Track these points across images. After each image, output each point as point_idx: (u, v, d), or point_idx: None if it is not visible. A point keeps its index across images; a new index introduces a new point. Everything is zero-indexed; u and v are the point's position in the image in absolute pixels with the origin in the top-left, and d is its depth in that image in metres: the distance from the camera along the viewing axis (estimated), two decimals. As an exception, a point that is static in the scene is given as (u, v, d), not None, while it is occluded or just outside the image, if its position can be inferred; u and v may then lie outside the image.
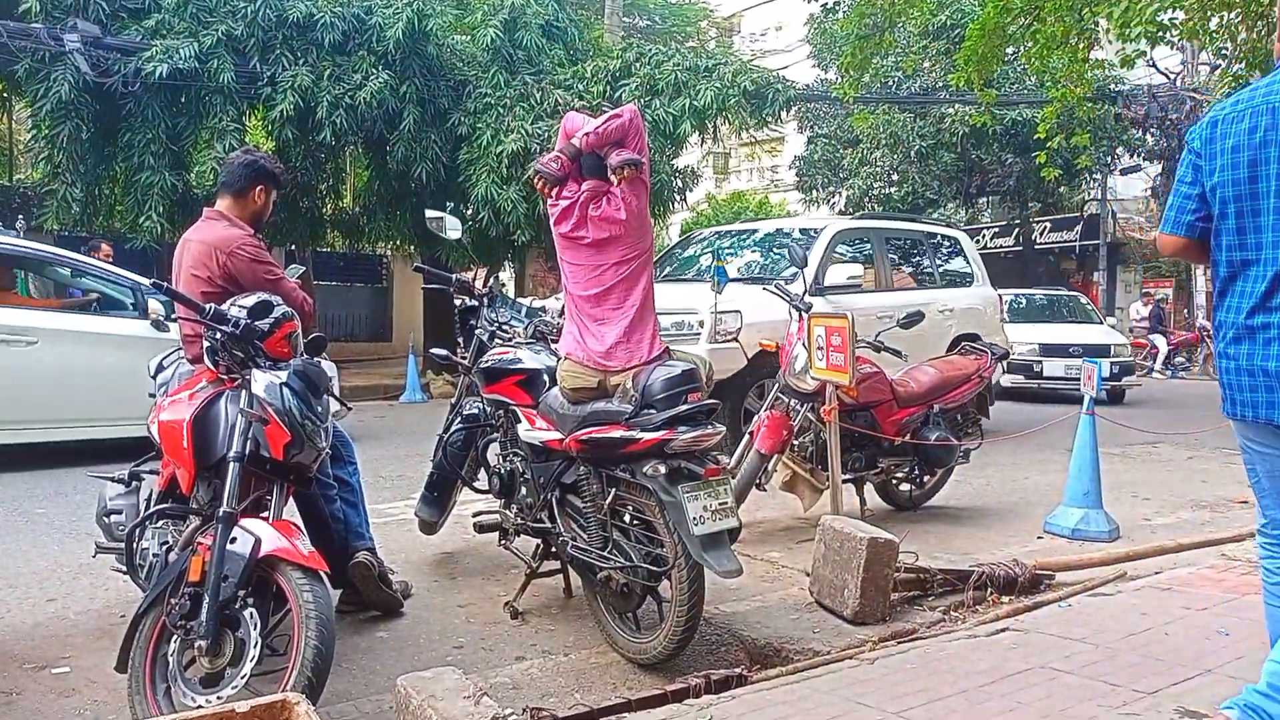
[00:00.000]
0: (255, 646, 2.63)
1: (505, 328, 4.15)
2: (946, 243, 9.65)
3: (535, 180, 3.49)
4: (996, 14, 10.21)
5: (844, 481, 4.90)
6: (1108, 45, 11.92)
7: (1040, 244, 23.53)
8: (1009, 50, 12.34)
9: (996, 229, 24.76)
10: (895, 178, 21.69)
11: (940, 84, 17.81)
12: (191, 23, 11.55)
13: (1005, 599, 3.79)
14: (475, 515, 4.26)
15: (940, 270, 9.24)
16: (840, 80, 14.41)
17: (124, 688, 2.67)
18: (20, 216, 11.95)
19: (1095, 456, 5.13)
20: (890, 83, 18.94)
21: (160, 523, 3.08)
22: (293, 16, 11.87)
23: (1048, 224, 23.58)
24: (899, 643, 3.30)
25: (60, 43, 10.99)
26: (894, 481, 5.58)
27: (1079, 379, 10.84)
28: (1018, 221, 22.96)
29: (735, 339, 6.75)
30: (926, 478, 5.65)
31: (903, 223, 9.99)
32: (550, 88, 13.01)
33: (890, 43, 13.42)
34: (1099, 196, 22.58)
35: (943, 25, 17.22)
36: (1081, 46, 10.66)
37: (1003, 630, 3.34)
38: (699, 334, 6.74)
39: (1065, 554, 4.53)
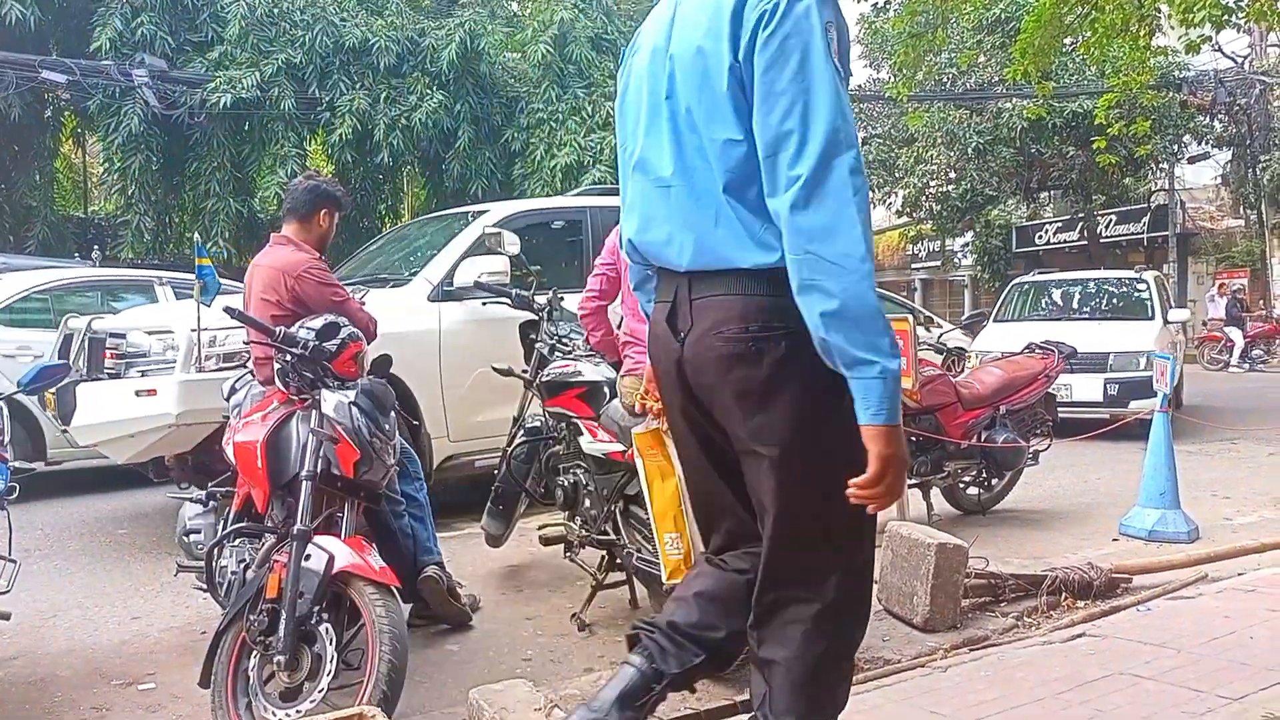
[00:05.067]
0: (331, 661, 2.68)
1: (565, 341, 4.18)
2: None
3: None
4: (1053, 4, 10.00)
5: (910, 486, 4.84)
6: (1170, 31, 11.60)
7: (1106, 237, 22.93)
8: (1067, 41, 12.07)
9: (1060, 224, 24.21)
10: (952, 175, 21.35)
11: (996, 78, 17.50)
12: (253, 53, 11.91)
13: (1080, 604, 3.70)
14: (540, 528, 4.30)
15: None
16: (893, 79, 14.26)
17: (207, 702, 2.74)
18: (96, 247, 12.42)
19: (1171, 455, 4.99)
20: (945, 79, 18.70)
21: (237, 541, 3.16)
22: (349, 42, 12.17)
23: (1113, 216, 22.98)
24: (971, 650, 3.24)
25: (129, 78, 11.43)
26: (961, 485, 5.49)
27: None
28: (1081, 215, 22.41)
29: (245, 365, 4.70)
30: (995, 481, 5.55)
31: None
32: (601, 100, 13.12)
33: (943, 39, 13.22)
34: (1166, 186, 21.96)
35: (997, 18, 16.93)
36: (1143, 34, 10.39)
37: (1079, 636, 3.26)
38: (175, 363, 4.88)
39: (1142, 556, 4.41)
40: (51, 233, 13.65)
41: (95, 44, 11.59)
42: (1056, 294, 11.01)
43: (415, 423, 5.20)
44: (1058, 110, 17.00)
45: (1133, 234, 22.84)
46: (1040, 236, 24.75)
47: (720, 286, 1.65)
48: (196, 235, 5.66)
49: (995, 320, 10.37)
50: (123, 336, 5.21)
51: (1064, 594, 3.73)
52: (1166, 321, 9.64)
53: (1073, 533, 5.17)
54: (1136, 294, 10.32)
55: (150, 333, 5.12)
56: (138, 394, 4.81)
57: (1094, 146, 12.26)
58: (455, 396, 5.47)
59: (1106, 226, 22.97)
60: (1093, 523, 5.38)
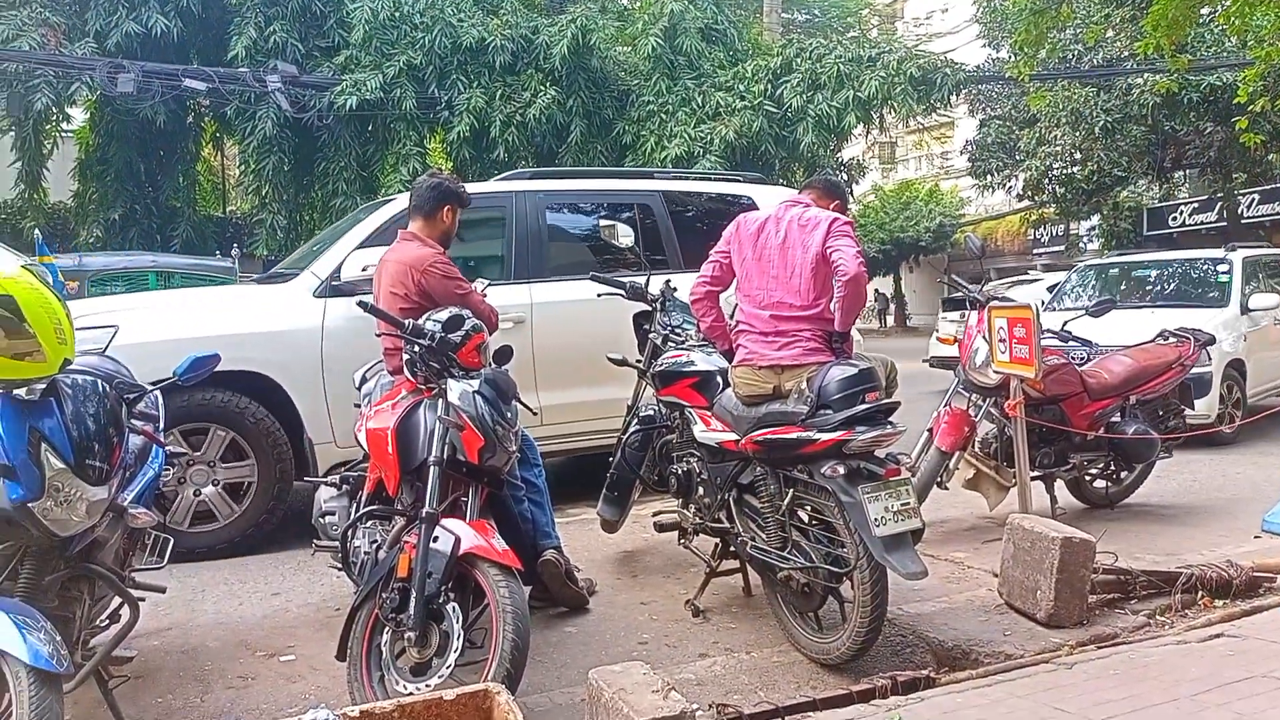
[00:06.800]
0: (458, 639, 2.80)
1: (678, 330, 4.23)
2: (709, 208, 6.32)
3: None
4: (1189, -27, 9.45)
5: (1032, 479, 4.70)
6: (1322, -4, 10.78)
7: (1248, 218, 21.53)
8: (1204, 11, 11.38)
9: (1196, 204, 22.86)
10: (1078, 156, 20.40)
11: (1126, 53, 16.64)
12: (376, 56, 12.37)
13: (1219, 603, 3.54)
14: (655, 514, 4.37)
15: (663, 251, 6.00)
16: (1014, 59, 13.72)
17: (343, 674, 2.91)
18: (235, 244, 13.16)
19: (1320, 449, 4.69)
20: (1069, 56, 17.87)
21: (370, 523, 3.32)
22: (466, 42, 12.50)
23: (1256, 196, 21.54)
24: (1099, 647, 3.15)
25: (263, 84, 12.04)
26: (1088, 478, 5.30)
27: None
28: (1220, 195, 21.11)
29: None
30: (1124, 474, 5.33)
31: (588, 183, 6.86)
32: (711, 90, 13.11)
33: (1068, 15, 12.64)
34: (1317, 162, 20.46)
35: (1127, -10, 16.10)
36: (1290, 0, 9.71)
37: (1217, 636, 3.13)
38: None
39: (1288, 555, 4.17)
40: (194, 232, 14.52)
41: (232, 52, 12.25)
42: (1129, 277, 9.48)
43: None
44: (1194, 84, 16.05)
45: (1278, 214, 21.39)
46: (1174, 218, 23.43)
47: None
48: (37, 233, 5.28)
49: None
50: None
51: (1200, 593, 3.57)
52: (1246, 309, 8.29)
53: (1209, 529, 4.93)
54: (1216, 277, 8.71)
55: None
56: None
57: (1238, 127, 11.35)
58: (341, 399, 4.77)
59: (1249, 206, 21.56)
60: (1231, 519, 5.11)
